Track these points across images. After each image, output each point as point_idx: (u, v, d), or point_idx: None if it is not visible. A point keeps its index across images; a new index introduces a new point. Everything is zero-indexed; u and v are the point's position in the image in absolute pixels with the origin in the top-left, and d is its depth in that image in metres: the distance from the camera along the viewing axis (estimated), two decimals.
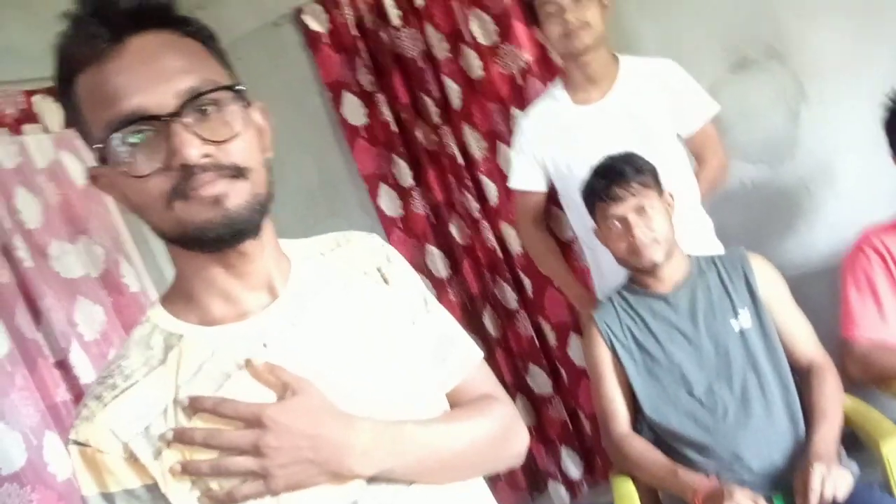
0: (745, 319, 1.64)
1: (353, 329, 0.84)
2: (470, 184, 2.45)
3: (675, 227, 1.69)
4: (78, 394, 1.83)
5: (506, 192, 2.33)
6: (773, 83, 2.23)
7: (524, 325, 2.51)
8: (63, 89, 0.75)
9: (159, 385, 0.77)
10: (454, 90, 2.41)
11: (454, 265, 2.57)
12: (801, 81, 2.21)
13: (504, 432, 0.93)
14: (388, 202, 2.58)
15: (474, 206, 2.46)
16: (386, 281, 0.91)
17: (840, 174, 2.22)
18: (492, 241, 2.47)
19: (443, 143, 2.46)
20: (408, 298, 0.92)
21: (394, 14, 2.41)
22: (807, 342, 1.67)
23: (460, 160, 2.44)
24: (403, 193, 2.56)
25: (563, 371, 2.49)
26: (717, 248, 1.95)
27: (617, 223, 1.66)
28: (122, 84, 0.70)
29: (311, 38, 2.54)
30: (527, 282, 2.46)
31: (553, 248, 2.18)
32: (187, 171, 0.70)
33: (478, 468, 0.92)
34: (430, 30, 2.38)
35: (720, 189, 2.08)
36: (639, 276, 1.73)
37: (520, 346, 2.53)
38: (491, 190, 2.43)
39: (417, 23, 2.40)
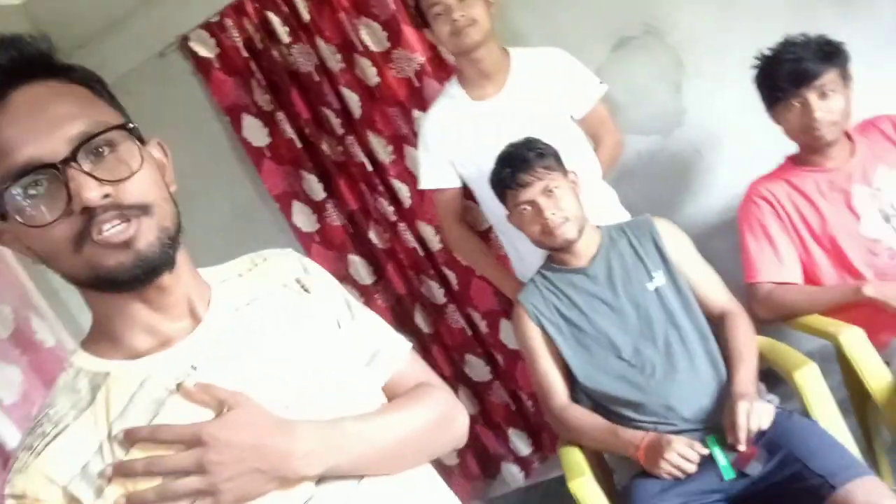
0: (658, 280, 1.74)
1: (280, 341, 0.86)
2: (382, 189, 2.49)
3: (583, 203, 1.78)
4: (5, 461, 1.73)
5: (418, 193, 2.37)
6: (654, 60, 2.38)
7: (455, 318, 2.57)
8: None
9: (91, 425, 0.76)
10: (353, 99, 2.44)
11: (378, 270, 2.60)
12: (678, 55, 2.36)
13: (442, 416, 0.97)
14: (303, 218, 2.59)
15: (389, 210, 2.49)
16: (306, 290, 0.93)
17: (725, 136, 2.38)
18: (411, 241, 2.51)
19: (349, 153, 2.49)
20: (330, 303, 0.94)
21: (282, 31, 2.42)
22: (717, 292, 1.78)
23: (369, 167, 2.48)
24: (317, 207, 2.57)
25: (498, 356, 2.56)
26: (625, 218, 2.06)
27: (528, 207, 1.73)
28: (11, 137, 0.70)
29: (200, 65, 2.52)
30: (451, 276, 2.52)
31: (478, 244, 2.21)
32: (90, 214, 0.71)
33: (422, 454, 0.94)
34: (320, 43, 2.40)
35: (618, 163, 2.19)
36: (556, 254, 1.81)
37: (453, 339, 2.59)
38: (403, 192, 2.47)
39: (307, 38, 2.41)
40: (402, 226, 2.50)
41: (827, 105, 1.76)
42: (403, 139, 2.44)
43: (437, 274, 2.53)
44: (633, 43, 2.37)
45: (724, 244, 2.06)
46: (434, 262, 2.52)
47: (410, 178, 2.42)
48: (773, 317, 1.85)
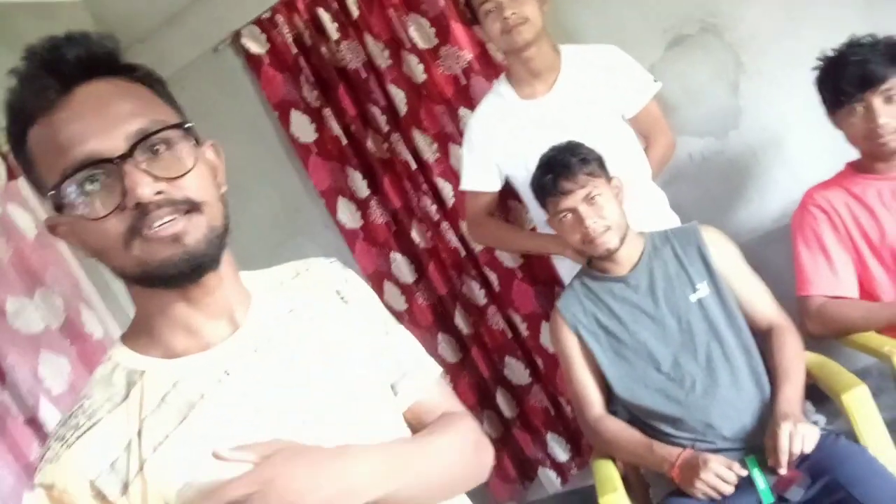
0: (702, 291, 1.67)
1: (314, 352, 0.86)
2: (426, 188, 2.47)
3: (628, 209, 1.72)
4: None
5: (462, 193, 2.34)
6: (712, 58, 2.28)
7: (495, 320, 2.53)
8: (16, 143, 0.77)
9: (123, 420, 0.78)
10: (400, 97, 2.42)
11: (420, 269, 2.59)
12: (737, 54, 2.26)
13: (474, 445, 0.96)
14: (348, 215, 2.60)
15: (433, 209, 2.47)
16: (345, 301, 0.93)
17: (784, 139, 2.27)
18: (454, 241, 2.49)
19: (395, 151, 2.48)
20: (366, 317, 0.95)
21: (331, 28, 2.42)
22: (764, 305, 1.70)
23: (414, 165, 2.46)
24: (361, 204, 2.57)
25: (538, 360, 2.52)
26: (673, 221, 1.99)
27: (568, 215, 1.68)
28: (73, 131, 0.73)
29: (251, 61, 2.55)
30: (492, 277, 2.48)
31: (509, 226, 2.16)
32: (142, 209, 0.73)
33: (461, 482, 0.94)
34: (369, 40, 2.40)
35: (669, 164, 2.11)
36: (597, 261, 1.76)
37: (493, 341, 2.56)
38: (447, 192, 2.45)
39: (356, 34, 2.41)
40: (444, 225, 2.48)
41: (892, 111, 1.66)
42: (449, 137, 2.41)
43: (479, 274, 2.50)
44: (689, 40, 2.29)
45: (779, 252, 1.97)
46: (476, 263, 2.50)
47: (454, 178, 2.39)
48: (826, 332, 1.76)
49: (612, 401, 1.74)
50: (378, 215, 2.57)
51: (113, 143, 0.73)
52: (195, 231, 0.75)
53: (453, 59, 2.35)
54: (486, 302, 2.53)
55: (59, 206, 0.75)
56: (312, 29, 2.44)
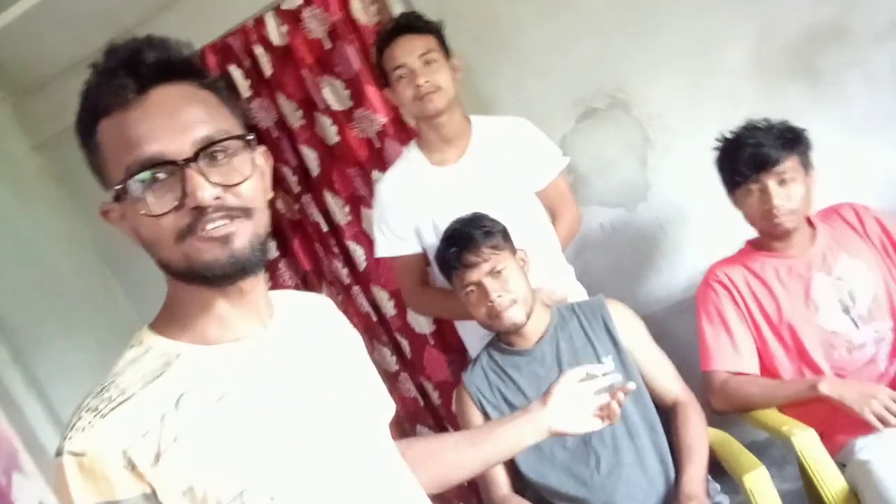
0: (607, 365, 1.65)
1: (332, 353, 0.96)
2: (337, 250, 2.41)
3: (533, 282, 1.71)
4: None
5: (374, 256, 2.29)
6: (621, 132, 2.33)
7: (407, 387, 2.47)
8: (85, 132, 0.81)
9: (157, 394, 0.79)
10: (312, 157, 2.37)
11: None
12: (645, 129, 2.31)
13: None
14: None
15: (343, 272, 2.41)
16: (345, 329, 1.05)
17: (691, 214, 2.33)
18: (365, 305, 2.42)
19: (305, 212, 2.42)
20: (358, 343, 1.06)
21: (244, 85, 2.36)
22: (669, 381, 1.70)
23: (325, 227, 2.40)
24: (270, 266, 2.48)
25: (450, 429, 2.45)
26: (581, 293, 1.99)
27: (474, 289, 1.65)
28: (144, 131, 0.77)
29: None
30: (404, 343, 2.42)
31: (448, 293, 1.89)
32: (199, 211, 0.77)
33: None
34: (281, 99, 2.35)
35: (577, 236, 2.12)
36: (503, 334, 1.72)
37: (405, 408, 2.48)
38: (359, 255, 2.39)
39: (268, 93, 2.36)
40: (356, 289, 2.42)
41: (786, 192, 1.71)
42: (361, 200, 2.37)
43: (391, 340, 2.44)
44: (600, 114, 2.33)
45: (688, 323, 1.98)
46: (388, 329, 2.43)
47: (366, 241, 2.34)
48: (729, 408, 1.76)
49: (520, 480, 1.69)
50: (287, 278, 2.48)
51: (179, 146, 0.77)
52: (242, 236, 0.80)
53: (367, 122, 2.32)
54: (398, 369, 2.46)
55: (119, 197, 0.79)
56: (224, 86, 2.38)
